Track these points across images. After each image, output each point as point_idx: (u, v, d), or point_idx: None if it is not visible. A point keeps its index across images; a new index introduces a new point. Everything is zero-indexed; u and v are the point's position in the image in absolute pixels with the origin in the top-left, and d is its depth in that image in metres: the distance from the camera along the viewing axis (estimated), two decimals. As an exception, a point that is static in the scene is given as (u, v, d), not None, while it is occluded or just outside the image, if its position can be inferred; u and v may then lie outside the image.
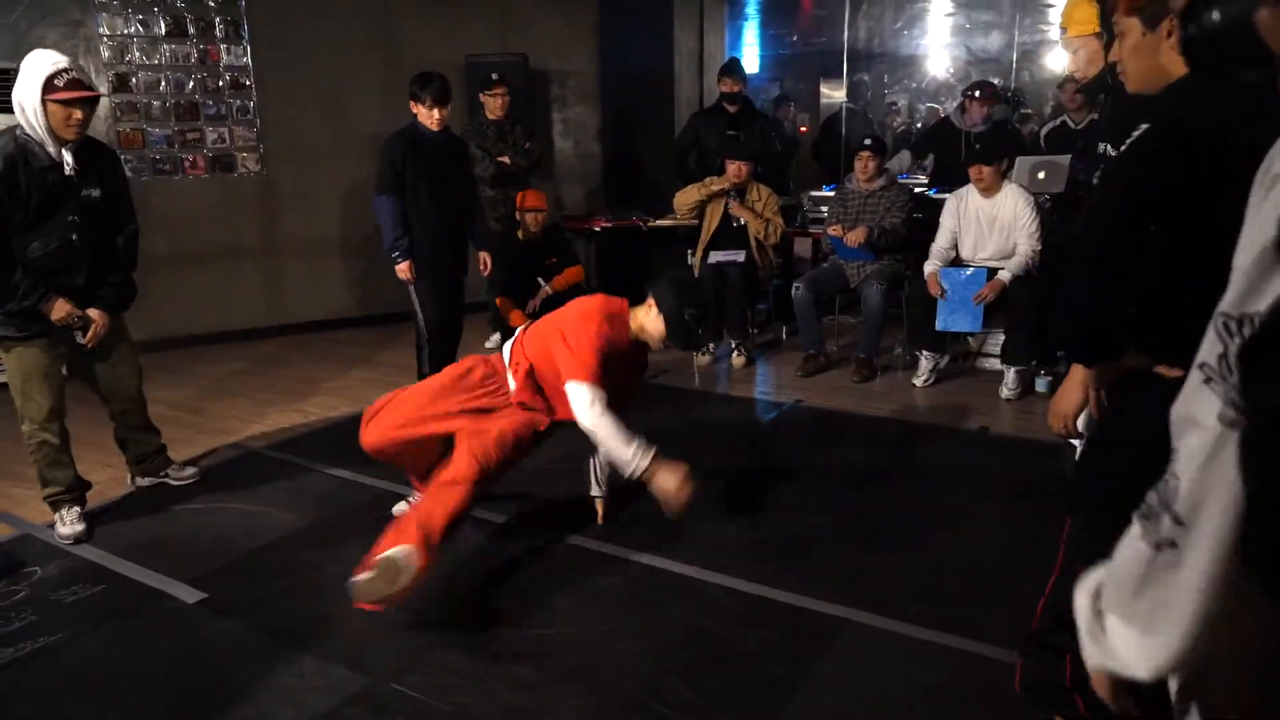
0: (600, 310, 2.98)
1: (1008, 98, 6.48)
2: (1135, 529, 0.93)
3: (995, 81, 6.38)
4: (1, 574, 3.08)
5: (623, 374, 3.06)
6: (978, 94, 5.77)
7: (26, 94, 2.98)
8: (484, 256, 4.79)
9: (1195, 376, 0.85)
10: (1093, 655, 0.99)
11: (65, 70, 2.99)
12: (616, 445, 2.79)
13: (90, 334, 3.30)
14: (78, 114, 3.03)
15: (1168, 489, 0.87)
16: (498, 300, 5.48)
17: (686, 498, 2.76)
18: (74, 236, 3.15)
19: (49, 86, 2.96)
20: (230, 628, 2.75)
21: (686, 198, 5.60)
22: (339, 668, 2.53)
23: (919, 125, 7.71)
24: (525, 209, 5.42)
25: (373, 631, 2.70)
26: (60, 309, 3.16)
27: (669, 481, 2.76)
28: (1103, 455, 1.70)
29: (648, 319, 3.00)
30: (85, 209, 3.17)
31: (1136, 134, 1.50)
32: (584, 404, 2.82)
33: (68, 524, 3.33)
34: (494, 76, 5.81)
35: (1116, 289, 1.56)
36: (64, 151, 3.08)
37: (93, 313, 3.29)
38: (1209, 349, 0.83)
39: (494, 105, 5.78)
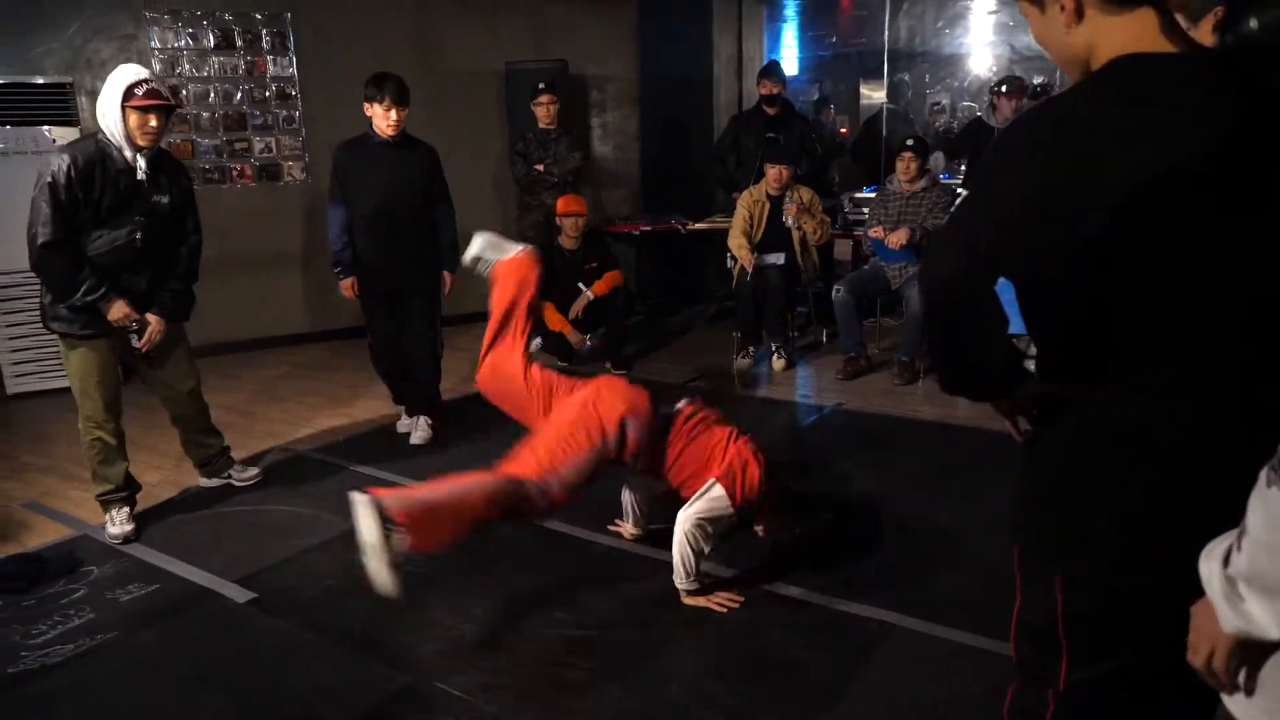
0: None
1: (1036, 91, 6.42)
2: (1261, 481, 0.94)
3: (1022, 76, 6.34)
4: (60, 573, 3.17)
5: None
6: (1004, 89, 5.79)
7: (108, 101, 3.16)
8: (447, 276, 4.34)
9: None
10: (1228, 620, 1.00)
11: (145, 81, 3.18)
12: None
13: (145, 338, 3.40)
14: (153, 121, 3.19)
15: None
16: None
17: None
18: (138, 236, 3.28)
19: (129, 94, 3.15)
20: (279, 627, 2.81)
21: (735, 242, 5.57)
22: (385, 667, 2.57)
23: (957, 125, 7.61)
24: (563, 214, 5.44)
25: (419, 631, 2.74)
26: (118, 310, 3.26)
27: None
28: (1027, 486, 1.60)
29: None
30: (153, 214, 3.31)
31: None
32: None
33: (117, 524, 3.42)
34: (540, 86, 5.85)
35: (997, 320, 1.37)
36: (139, 157, 3.24)
37: (150, 317, 3.39)
38: None
39: (542, 114, 5.81)
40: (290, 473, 4.06)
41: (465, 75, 6.67)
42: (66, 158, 3.11)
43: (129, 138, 3.19)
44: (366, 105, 4.11)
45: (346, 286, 4.27)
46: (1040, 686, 1.53)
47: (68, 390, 5.30)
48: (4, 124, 5.05)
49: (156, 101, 3.18)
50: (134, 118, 3.17)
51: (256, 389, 5.40)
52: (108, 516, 3.45)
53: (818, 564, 3.07)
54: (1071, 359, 1.40)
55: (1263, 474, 0.96)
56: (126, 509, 3.48)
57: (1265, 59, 0.81)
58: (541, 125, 5.85)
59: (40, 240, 3.10)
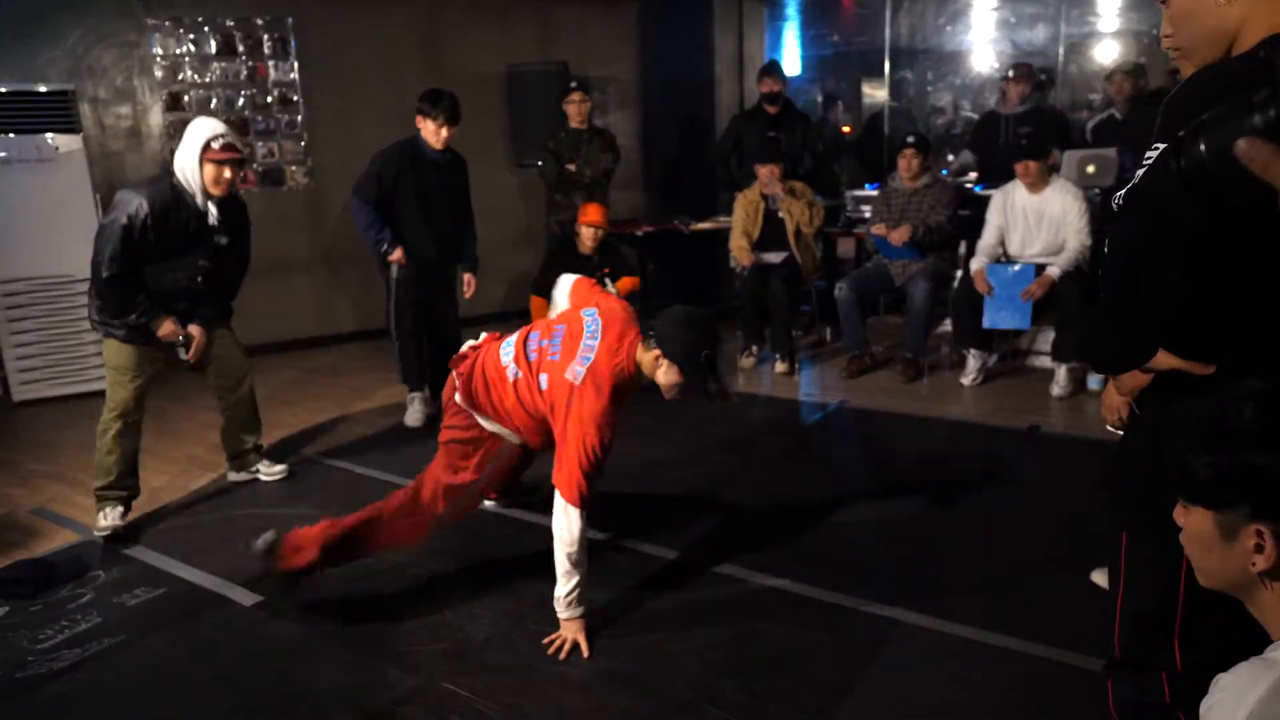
0: (609, 383, 2.57)
1: (1042, 77, 6.46)
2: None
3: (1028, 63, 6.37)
4: (67, 577, 3.17)
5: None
6: (1012, 74, 5.82)
7: (187, 154, 3.37)
8: (468, 278, 4.78)
9: None
10: None
11: (222, 135, 3.39)
12: (567, 575, 2.63)
13: (192, 351, 3.56)
14: (227, 173, 3.41)
15: None
16: (533, 299, 5.48)
17: (567, 652, 2.61)
18: (199, 279, 3.52)
19: (206, 148, 3.35)
20: (287, 630, 2.81)
21: (735, 243, 5.59)
22: (392, 668, 2.57)
23: (957, 126, 7.60)
24: (584, 223, 5.38)
25: (426, 632, 2.74)
26: (167, 327, 3.44)
27: (576, 633, 2.64)
28: (1147, 470, 1.60)
29: (657, 370, 2.57)
30: (214, 254, 3.54)
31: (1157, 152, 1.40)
32: (565, 527, 2.60)
33: (107, 518, 3.46)
34: (572, 85, 5.85)
35: (1153, 312, 1.43)
36: (210, 204, 3.45)
37: (193, 329, 3.55)
38: None
39: (574, 113, 5.79)
40: (298, 477, 4.06)
41: (469, 78, 6.68)
42: (145, 202, 3.28)
43: (203, 188, 3.39)
44: (419, 118, 4.38)
45: (400, 255, 4.45)
46: (1149, 673, 1.52)
47: (75, 397, 5.31)
48: (7, 132, 5.06)
49: (232, 155, 3.39)
50: (210, 170, 3.37)
51: (264, 394, 5.35)
52: (100, 512, 3.47)
53: (823, 560, 3.07)
54: (1219, 332, 1.39)
55: None
56: (120, 508, 3.51)
57: (1216, 181, 0.84)
58: (573, 125, 5.81)
59: (105, 274, 3.27)
